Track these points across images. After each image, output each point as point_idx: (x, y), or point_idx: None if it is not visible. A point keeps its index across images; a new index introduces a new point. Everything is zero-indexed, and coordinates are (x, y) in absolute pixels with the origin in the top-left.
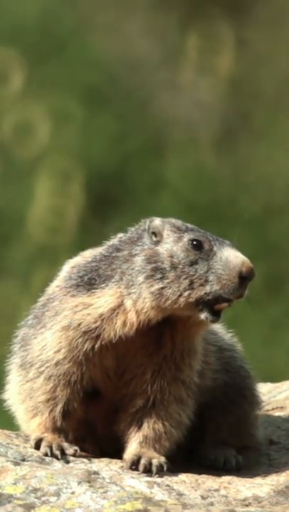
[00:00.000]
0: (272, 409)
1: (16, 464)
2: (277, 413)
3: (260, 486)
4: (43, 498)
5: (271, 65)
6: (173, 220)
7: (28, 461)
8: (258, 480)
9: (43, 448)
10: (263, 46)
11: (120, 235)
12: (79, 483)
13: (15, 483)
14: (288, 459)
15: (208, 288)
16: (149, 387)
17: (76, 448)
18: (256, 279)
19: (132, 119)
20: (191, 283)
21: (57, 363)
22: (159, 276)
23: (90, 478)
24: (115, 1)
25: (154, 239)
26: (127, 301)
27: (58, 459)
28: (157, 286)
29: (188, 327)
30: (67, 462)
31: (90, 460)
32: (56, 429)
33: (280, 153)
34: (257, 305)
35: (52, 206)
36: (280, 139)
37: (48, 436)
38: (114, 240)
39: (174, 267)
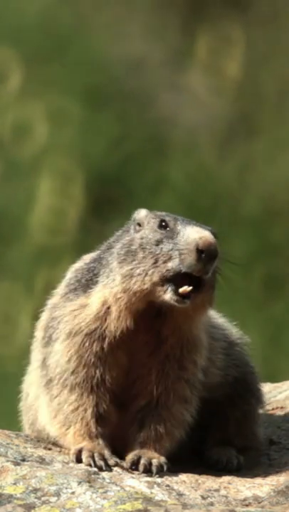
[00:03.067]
0: (272, 409)
1: (16, 464)
2: (277, 413)
3: (260, 486)
4: (43, 498)
5: (274, 66)
6: (160, 212)
7: (28, 461)
8: (258, 480)
9: (86, 459)
10: (266, 47)
11: (117, 232)
12: (79, 483)
13: (15, 483)
14: (288, 459)
15: (170, 264)
16: (154, 387)
17: (117, 460)
18: (257, 279)
19: (133, 119)
20: (156, 261)
21: (73, 372)
22: (130, 259)
23: (90, 478)
24: (116, 0)
25: (138, 228)
26: (106, 290)
27: (101, 469)
28: (127, 267)
29: (179, 320)
30: (111, 470)
31: None
32: (93, 436)
33: (282, 155)
34: (257, 305)
35: (52, 207)
36: (282, 140)
37: (87, 445)
38: (111, 238)
39: (142, 247)
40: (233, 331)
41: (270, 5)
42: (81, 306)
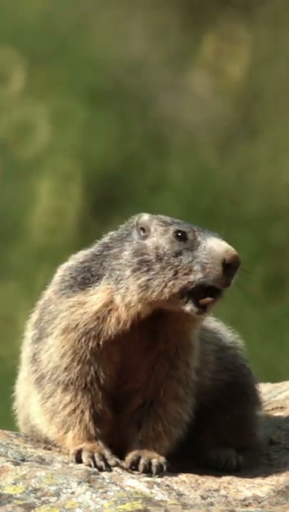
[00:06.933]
0: (272, 409)
1: (16, 464)
2: (277, 413)
3: (260, 486)
4: (43, 498)
5: (276, 67)
6: (161, 216)
7: (28, 461)
8: (258, 480)
9: (86, 459)
10: (266, 47)
11: (111, 232)
12: (79, 483)
13: (15, 483)
14: (288, 459)
15: (192, 277)
16: (145, 385)
17: (117, 460)
18: (257, 279)
19: (134, 119)
20: (176, 273)
21: (66, 368)
22: (145, 268)
23: (90, 478)
24: (116, 0)
25: (142, 234)
26: (116, 297)
27: (102, 470)
28: (144, 278)
29: (180, 323)
30: (111, 471)
31: None
32: (92, 438)
33: (283, 155)
34: (257, 305)
35: (53, 207)
36: (282, 141)
37: (87, 446)
38: (105, 239)
39: (159, 258)
40: (227, 335)
41: (275, 5)
42: (79, 304)
